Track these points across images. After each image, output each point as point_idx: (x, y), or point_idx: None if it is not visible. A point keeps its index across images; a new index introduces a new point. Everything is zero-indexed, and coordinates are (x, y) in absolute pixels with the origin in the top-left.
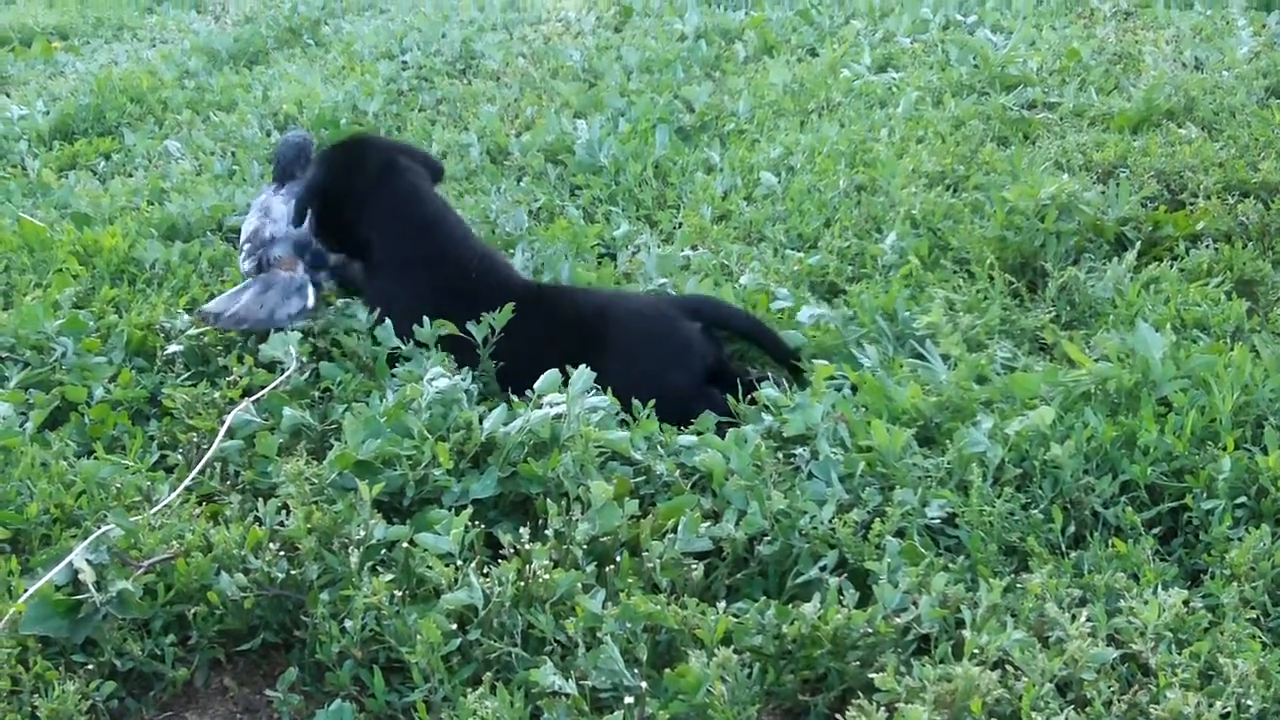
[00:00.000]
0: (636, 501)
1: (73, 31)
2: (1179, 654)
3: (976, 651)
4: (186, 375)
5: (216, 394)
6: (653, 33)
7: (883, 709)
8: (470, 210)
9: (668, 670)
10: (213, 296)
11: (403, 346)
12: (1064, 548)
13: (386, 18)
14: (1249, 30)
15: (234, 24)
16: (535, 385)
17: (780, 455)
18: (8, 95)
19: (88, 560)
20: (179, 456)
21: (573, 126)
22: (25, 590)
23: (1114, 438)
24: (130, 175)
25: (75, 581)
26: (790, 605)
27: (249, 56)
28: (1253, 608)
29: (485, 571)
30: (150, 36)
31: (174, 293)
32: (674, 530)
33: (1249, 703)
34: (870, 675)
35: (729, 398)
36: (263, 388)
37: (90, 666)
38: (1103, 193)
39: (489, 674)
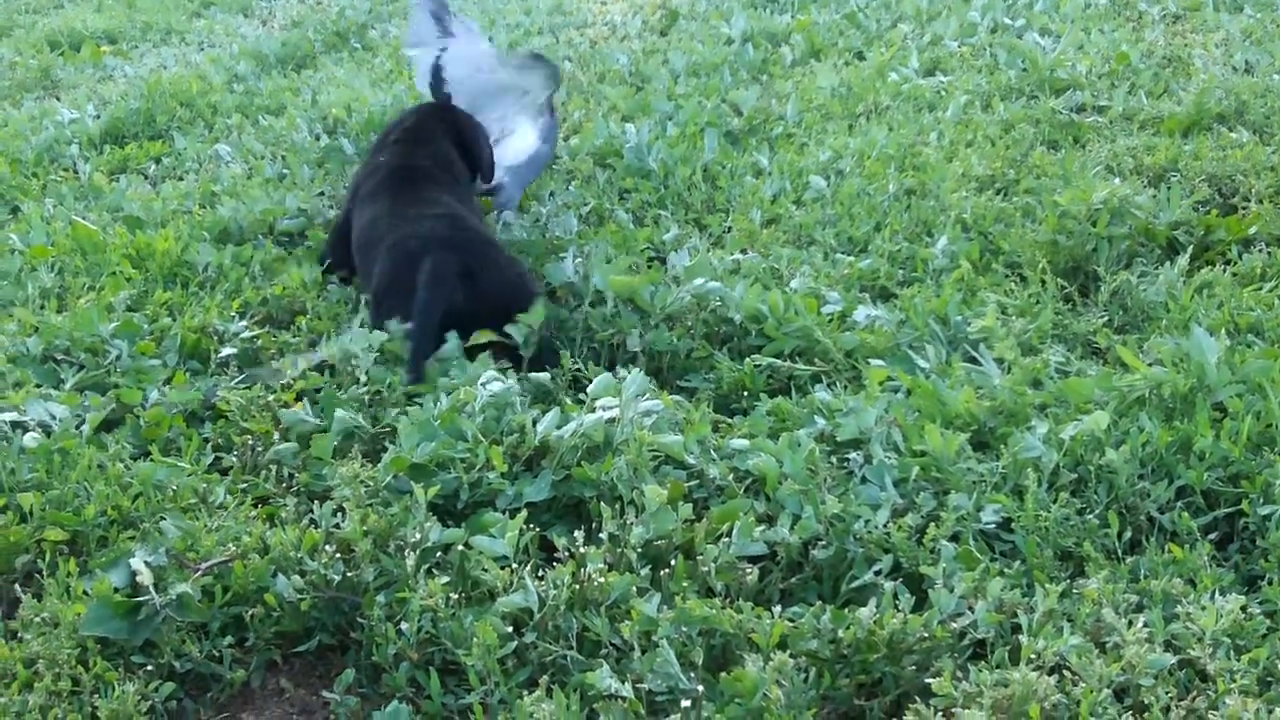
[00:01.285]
0: (690, 505)
1: (121, 35)
2: (1237, 660)
3: (1033, 657)
4: (240, 378)
5: (270, 396)
6: (699, 36)
7: (939, 714)
8: (523, 210)
9: (723, 674)
10: (265, 300)
11: None
12: (1120, 553)
13: None
14: None
15: (281, 28)
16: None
17: (834, 459)
18: (58, 99)
19: (146, 562)
20: (234, 459)
21: (621, 130)
22: (85, 592)
23: (1169, 443)
24: (181, 179)
25: (134, 583)
26: (845, 610)
27: (297, 60)
28: None
29: (540, 574)
30: (198, 40)
31: (227, 296)
32: (728, 534)
33: None
34: (926, 680)
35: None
36: (317, 390)
37: (149, 668)
38: (1154, 197)
39: (545, 677)
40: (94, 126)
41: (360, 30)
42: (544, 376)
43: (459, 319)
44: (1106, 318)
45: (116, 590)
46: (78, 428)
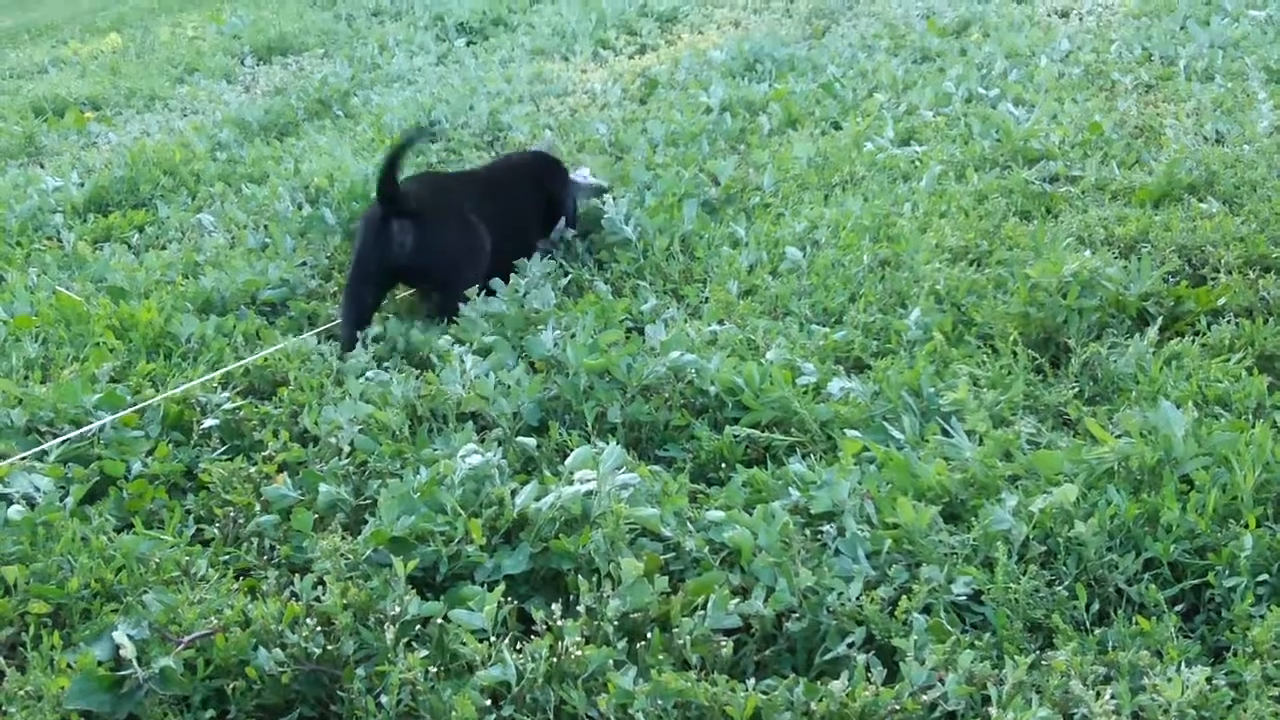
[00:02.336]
0: (666, 578)
1: (105, 102)
2: None
3: None
4: (222, 449)
5: (252, 468)
6: (678, 105)
7: None
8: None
9: None
10: (248, 371)
11: None
12: (1088, 624)
13: (415, 89)
14: (1269, 104)
15: (264, 95)
16: (568, 461)
17: (808, 531)
18: (42, 166)
19: (129, 636)
20: (215, 531)
21: (600, 200)
22: (68, 665)
23: (1137, 515)
24: (164, 248)
25: (117, 656)
26: (818, 682)
27: (279, 128)
28: (1276, 685)
29: (518, 647)
30: (181, 107)
31: (209, 366)
32: (704, 606)
33: None
34: None
35: None
36: (299, 463)
37: None
38: (1125, 268)
39: None
40: (78, 195)
41: (343, 98)
42: (530, 443)
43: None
44: (1077, 389)
45: (100, 663)
46: (62, 500)
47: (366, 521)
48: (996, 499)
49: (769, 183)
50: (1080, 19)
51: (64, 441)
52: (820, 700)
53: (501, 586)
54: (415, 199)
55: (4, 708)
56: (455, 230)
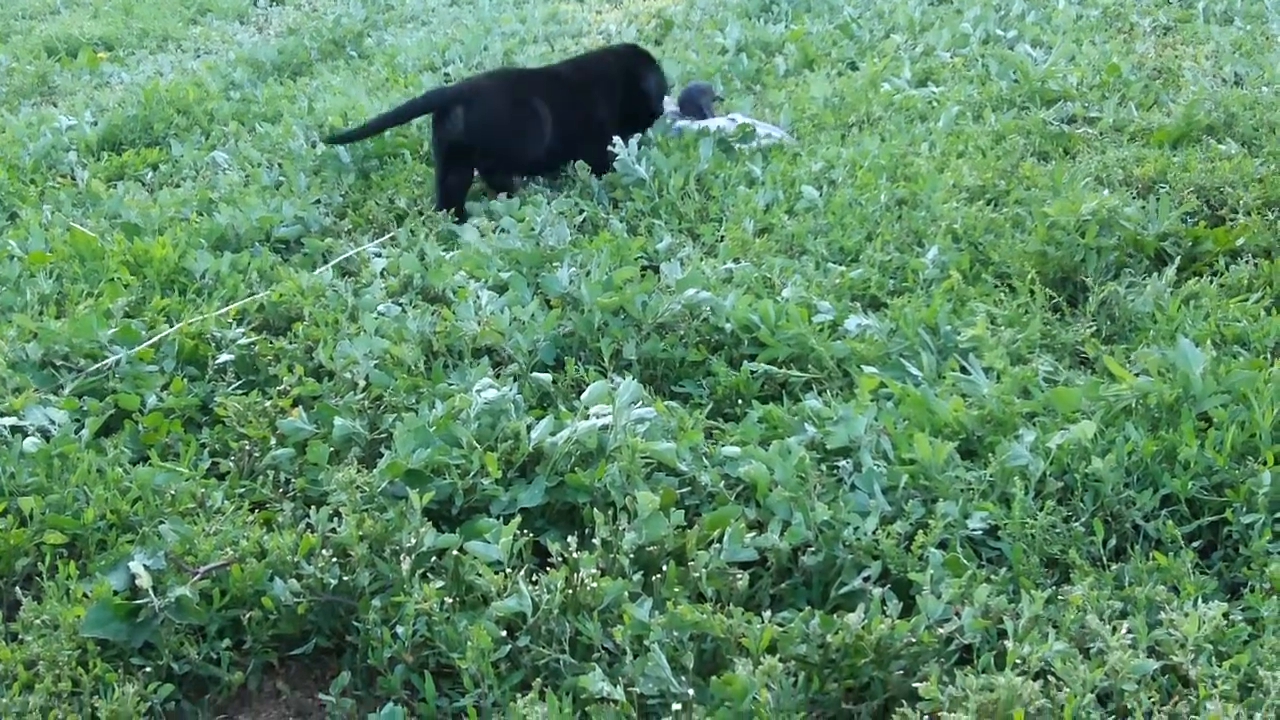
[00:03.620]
0: (682, 512)
1: (118, 42)
2: (1219, 666)
3: (1019, 662)
4: (238, 384)
5: (267, 403)
6: (694, 46)
7: (926, 718)
8: (518, 220)
9: (714, 678)
10: (263, 306)
11: None
12: (1105, 560)
13: (429, 30)
14: None
15: (277, 35)
16: (584, 396)
17: (824, 467)
18: (55, 105)
19: (145, 566)
20: (231, 464)
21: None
22: (84, 594)
23: (1154, 452)
24: (178, 186)
25: (133, 586)
26: (834, 615)
27: (293, 68)
28: None
29: (534, 579)
30: (194, 47)
31: (224, 302)
32: (719, 540)
33: None
34: (913, 684)
35: None
36: (314, 397)
37: (148, 669)
38: (1143, 208)
39: (538, 680)
40: (91, 133)
41: (356, 38)
42: (545, 378)
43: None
44: (1094, 328)
45: (116, 593)
46: (77, 433)
47: (382, 455)
48: (1014, 435)
49: (785, 122)
50: None
51: (79, 375)
52: (836, 633)
53: (517, 519)
54: (473, 86)
55: (21, 636)
56: (507, 114)
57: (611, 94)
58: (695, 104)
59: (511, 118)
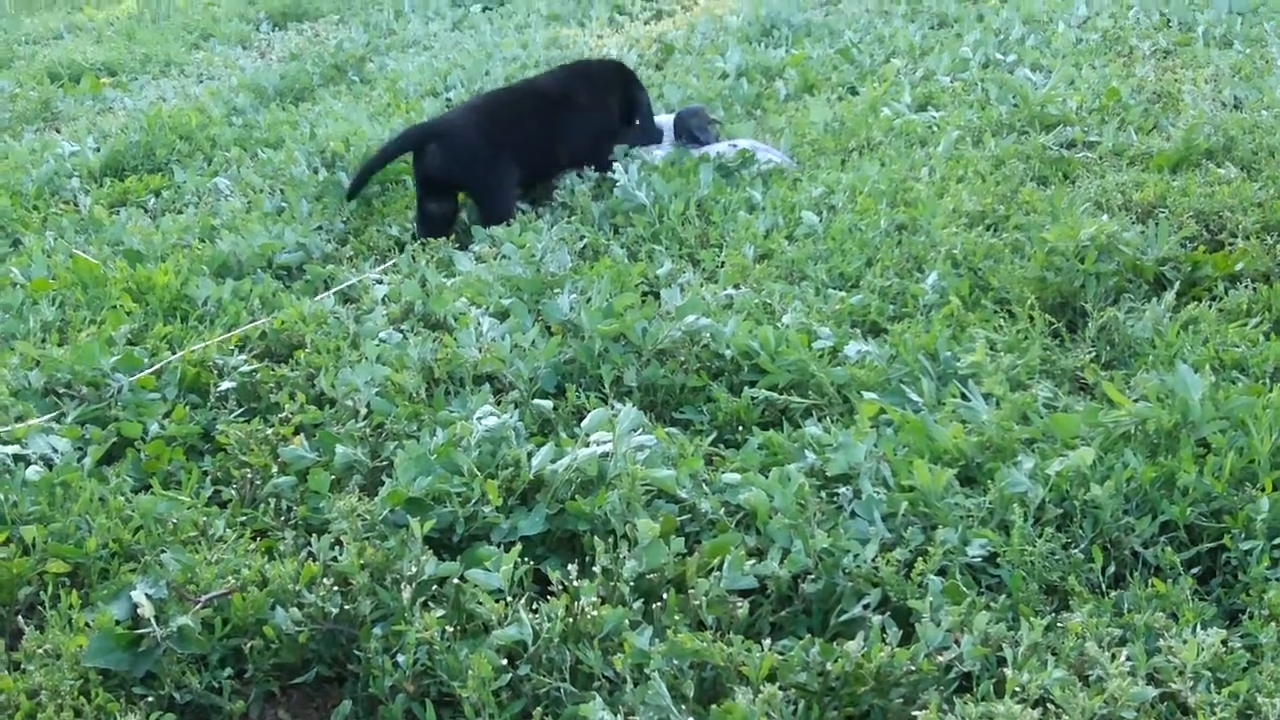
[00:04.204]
0: (682, 539)
1: (120, 67)
2: (1218, 693)
3: (1018, 690)
4: (239, 411)
5: (269, 430)
6: (694, 70)
7: None
8: (519, 246)
9: (713, 706)
10: (265, 334)
11: None
12: (1104, 587)
13: (430, 55)
14: None
15: (280, 60)
16: (584, 423)
17: (824, 494)
18: (58, 131)
19: (147, 595)
20: (233, 492)
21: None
22: (86, 624)
23: (1153, 478)
24: (180, 212)
25: (135, 615)
26: (834, 643)
27: (295, 93)
28: None
29: (534, 608)
30: (197, 72)
31: (226, 329)
32: (719, 568)
33: None
34: (913, 713)
35: None
36: (315, 425)
37: (150, 699)
38: (1142, 233)
39: (538, 709)
40: (94, 159)
41: (358, 63)
42: (546, 405)
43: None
44: (1094, 353)
45: (118, 622)
46: (79, 461)
47: (383, 483)
48: (1013, 462)
49: (785, 148)
50: None
51: (82, 403)
52: (836, 661)
53: (518, 547)
54: (446, 121)
55: (23, 666)
56: (482, 149)
57: (603, 97)
58: (686, 128)
59: (486, 152)
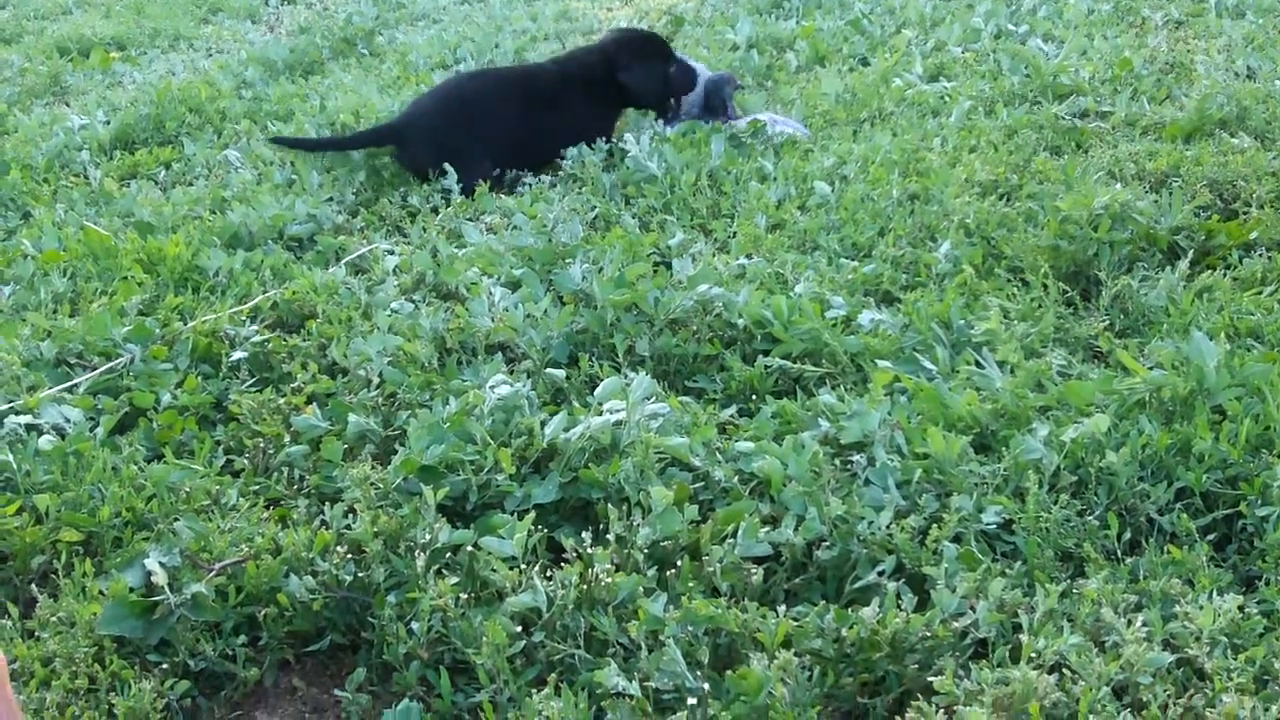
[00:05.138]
0: (696, 507)
1: (130, 42)
2: (1234, 658)
3: (1034, 655)
4: (251, 381)
5: (281, 400)
6: (704, 42)
7: (941, 712)
8: (530, 217)
9: (729, 672)
10: (276, 304)
11: None
12: (1119, 554)
13: (440, 28)
14: None
15: (289, 34)
16: (597, 392)
17: (838, 461)
18: (68, 105)
19: (161, 563)
20: (245, 461)
21: (620, 138)
22: (100, 592)
23: (1169, 445)
24: (191, 184)
25: (149, 583)
26: (849, 609)
27: (305, 67)
28: None
29: (548, 575)
30: (206, 47)
31: (237, 300)
32: (733, 535)
33: None
34: (928, 678)
35: None
36: (328, 394)
37: (164, 666)
38: (1155, 202)
39: (553, 675)
40: (104, 133)
41: (368, 36)
42: (559, 374)
43: None
44: (1108, 321)
45: (132, 590)
46: (92, 431)
47: (396, 452)
48: (1027, 429)
49: (797, 118)
50: None
51: (94, 373)
52: (851, 627)
53: (531, 515)
54: (410, 115)
55: (37, 634)
56: (448, 139)
57: (586, 90)
58: (719, 96)
59: (451, 143)
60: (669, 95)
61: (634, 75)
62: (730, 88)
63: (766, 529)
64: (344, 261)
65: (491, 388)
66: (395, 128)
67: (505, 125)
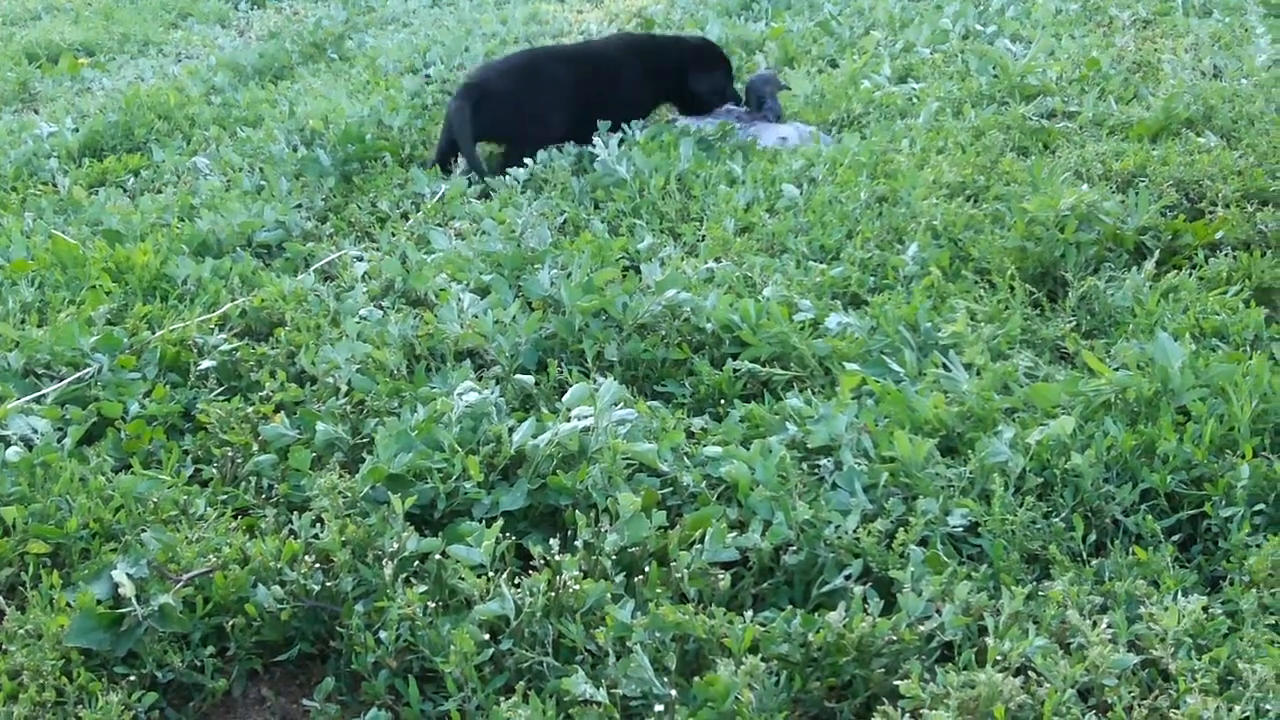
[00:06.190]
0: (664, 512)
1: (99, 48)
2: (1199, 659)
3: (999, 658)
4: (220, 390)
5: (250, 408)
6: None
7: (907, 715)
8: (499, 222)
9: (696, 679)
10: (245, 312)
11: None
12: (1085, 555)
13: (409, 31)
14: (1267, 38)
15: (258, 39)
16: (565, 398)
17: (805, 466)
18: (36, 112)
19: (128, 574)
20: (214, 471)
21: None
22: (68, 604)
23: (1134, 446)
24: (159, 192)
25: (116, 595)
26: (816, 614)
27: (274, 71)
28: (1271, 613)
29: (516, 582)
30: (176, 52)
31: (205, 308)
32: (701, 540)
33: (1268, 707)
34: (895, 682)
35: None
36: (297, 403)
37: (132, 678)
38: (1122, 202)
39: (521, 683)
40: (72, 140)
41: (337, 41)
42: (528, 380)
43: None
44: (1074, 322)
45: (99, 602)
46: (59, 441)
47: (364, 460)
48: (994, 431)
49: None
50: None
51: (63, 384)
52: (818, 632)
53: (499, 522)
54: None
55: (4, 646)
56: (521, 103)
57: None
58: (758, 94)
59: (524, 108)
60: (722, 104)
61: (702, 84)
62: (770, 87)
63: (734, 534)
64: (313, 268)
65: (460, 395)
66: (471, 85)
67: (572, 98)
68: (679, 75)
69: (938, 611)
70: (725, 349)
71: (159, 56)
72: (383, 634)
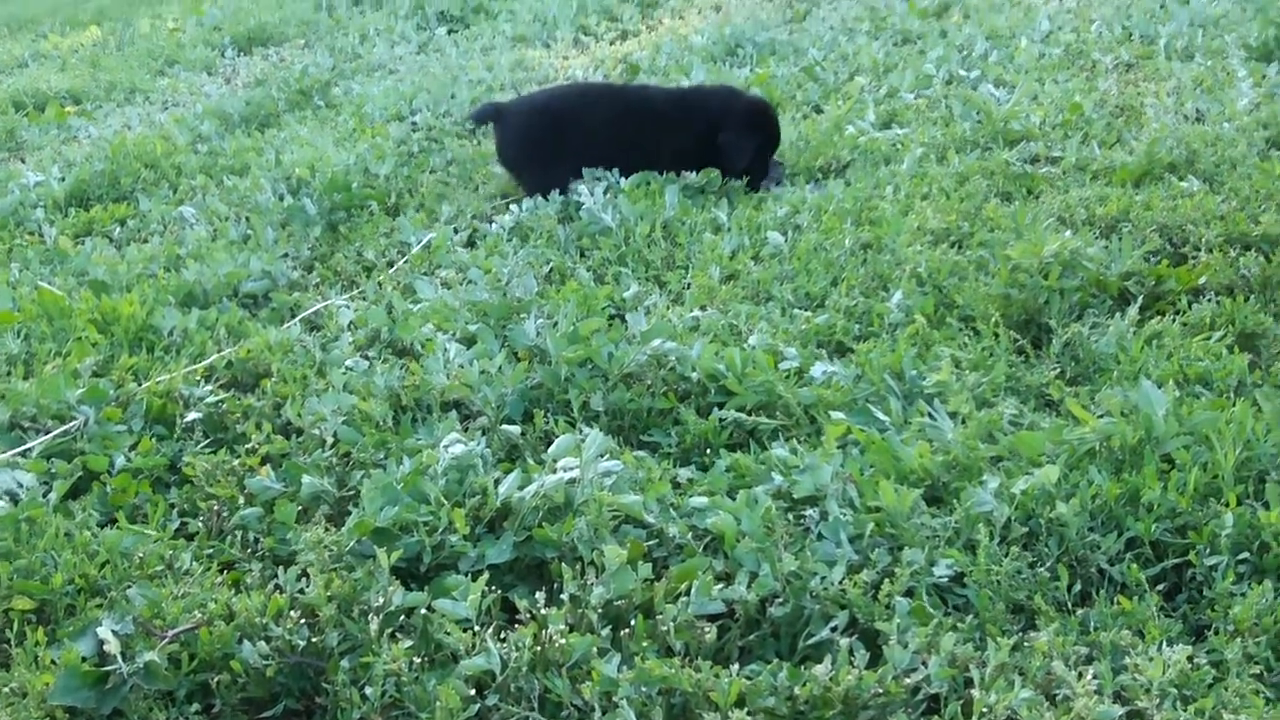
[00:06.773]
0: (650, 565)
1: (85, 95)
2: (1184, 710)
3: (985, 711)
4: (206, 442)
5: (236, 461)
6: None
7: None
8: (485, 271)
9: None
10: (231, 364)
11: None
12: (1070, 605)
13: (396, 79)
14: (1249, 82)
15: (245, 86)
16: (551, 450)
17: (790, 516)
18: (23, 161)
19: (113, 631)
20: (199, 524)
21: (580, 187)
22: (52, 661)
23: (1118, 495)
24: (146, 241)
25: (101, 652)
26: (802, 666)
27: (260, 119)
28: (1256, 663)
29: (502, 637)
30: (162, 99)
31: (191, 359)
32: (687, 593)
33: None
34: None
35: None
36: (283, 455)
37: None
38: (1105, 248)
39: None
40: (59, 189)
41: (324, 88)
42: (514, 431)
43: None
44: (1059, 369)
45: (84, 659)
46: (45, 495)
47: (350, 513)
48: (978, 481)
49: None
50: None
51: (48, 437)
52: (804, 685)
53: (485, 576)
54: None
55: None
56: (533, 139)
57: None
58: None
59: (539, 143)
60: (750, 173)
61: (729, 141)
62: (776, 172)
63: (720, 586)
64: (298, 318)
65: (445, 447)
66: (500, 109)
67: (594, 138)
68: (709, 130)
69: (924, 663)
70: (711, 398)
71: (146, 104)
72: (368, 689)
